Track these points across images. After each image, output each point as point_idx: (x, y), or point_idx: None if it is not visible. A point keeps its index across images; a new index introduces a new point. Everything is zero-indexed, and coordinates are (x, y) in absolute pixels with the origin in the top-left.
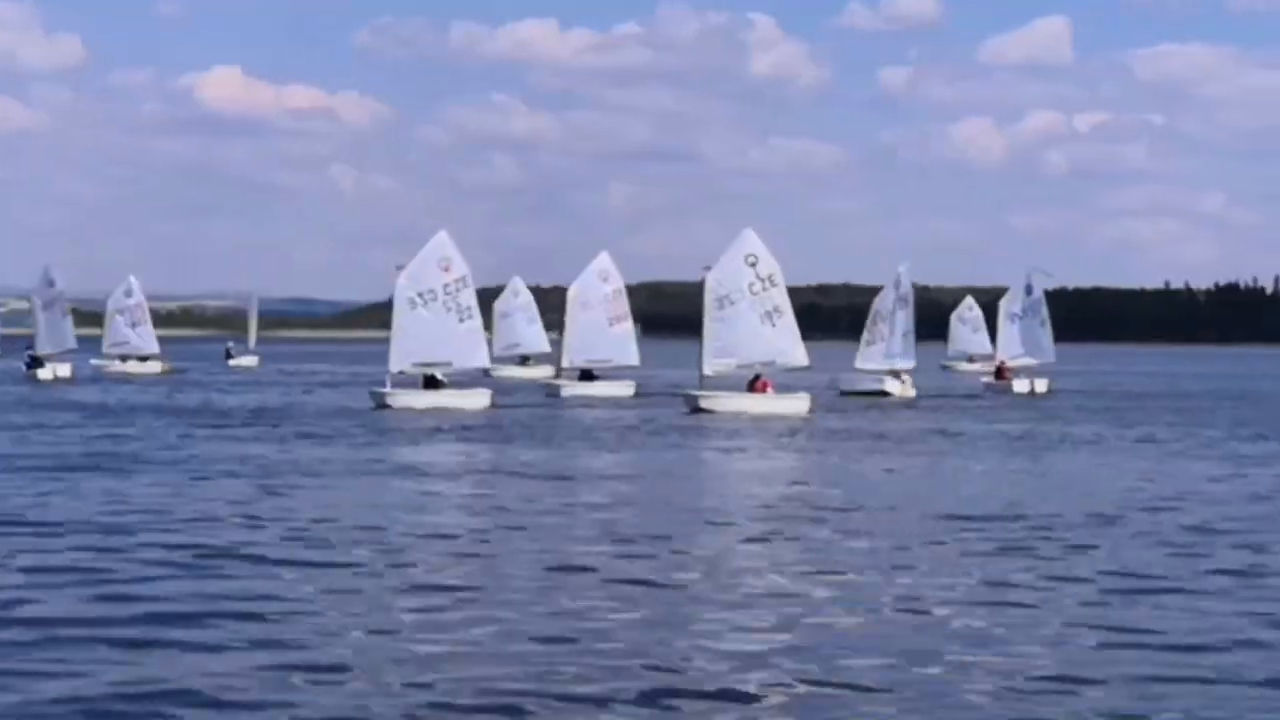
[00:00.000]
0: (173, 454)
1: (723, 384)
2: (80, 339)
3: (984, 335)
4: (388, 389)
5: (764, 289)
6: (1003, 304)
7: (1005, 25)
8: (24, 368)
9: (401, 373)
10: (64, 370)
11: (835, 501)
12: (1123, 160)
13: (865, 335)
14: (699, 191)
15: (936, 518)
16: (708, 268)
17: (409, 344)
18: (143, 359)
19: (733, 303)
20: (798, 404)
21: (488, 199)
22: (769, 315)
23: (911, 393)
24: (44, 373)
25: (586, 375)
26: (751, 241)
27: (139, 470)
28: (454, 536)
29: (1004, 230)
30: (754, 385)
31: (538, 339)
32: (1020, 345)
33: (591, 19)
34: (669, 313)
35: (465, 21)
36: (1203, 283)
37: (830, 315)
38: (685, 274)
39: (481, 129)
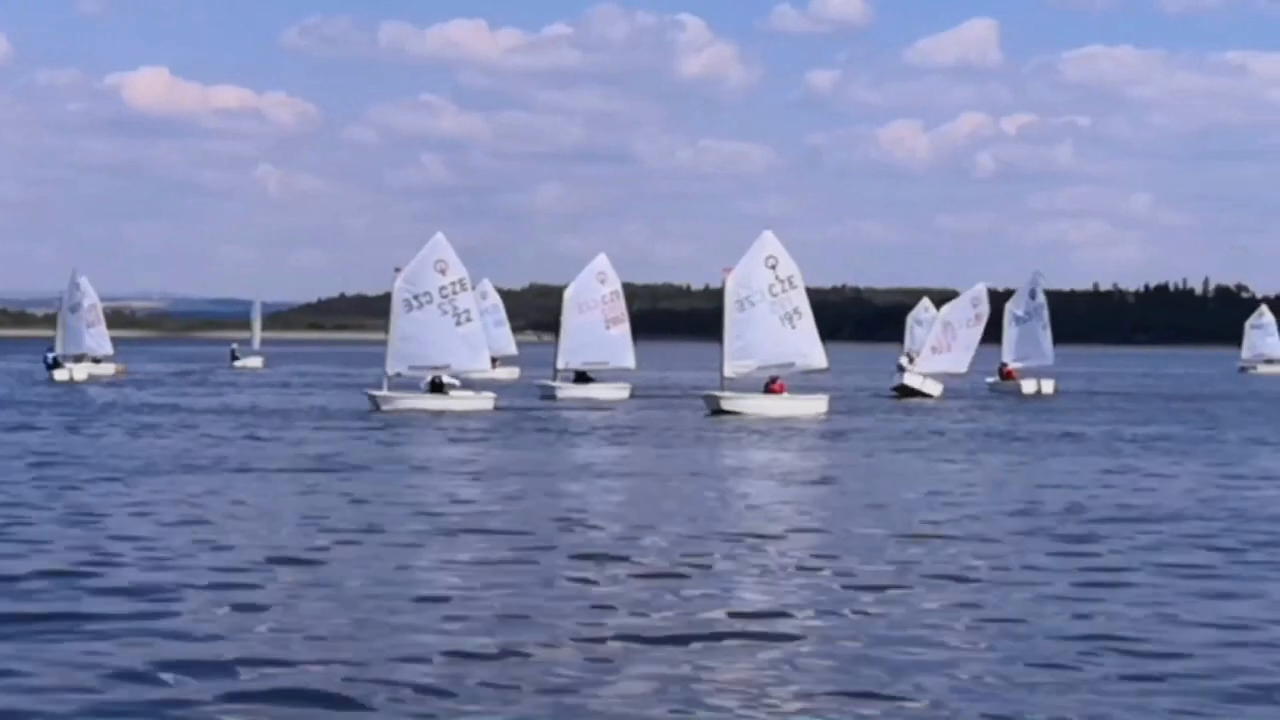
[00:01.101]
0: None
1: (740, 385)
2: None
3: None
4: (384, 391)
5: (784, 290)
6: (1008, 307)
7: (933, 27)
8: (45, 369)
9: (398, 375)
10: (80, 373)
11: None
12: (1051, 162)
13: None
14: (629, 192)
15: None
16: (728, 269)
17: (406, 347)
18: (96, 361)
19: (753, 304)
20: (816, 405)
21: (417, 199)
22: (789, 317)
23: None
24: (60, 375)
25: (581, 377)
26: (771, 244)
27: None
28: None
29: (933, 232)
30: (770, 387)
31: (505, 341)
32: (1017, 347)
33: (521, 19)
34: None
35: (394, 21)
36: (1131, 284)
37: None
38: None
39: (410, 129)
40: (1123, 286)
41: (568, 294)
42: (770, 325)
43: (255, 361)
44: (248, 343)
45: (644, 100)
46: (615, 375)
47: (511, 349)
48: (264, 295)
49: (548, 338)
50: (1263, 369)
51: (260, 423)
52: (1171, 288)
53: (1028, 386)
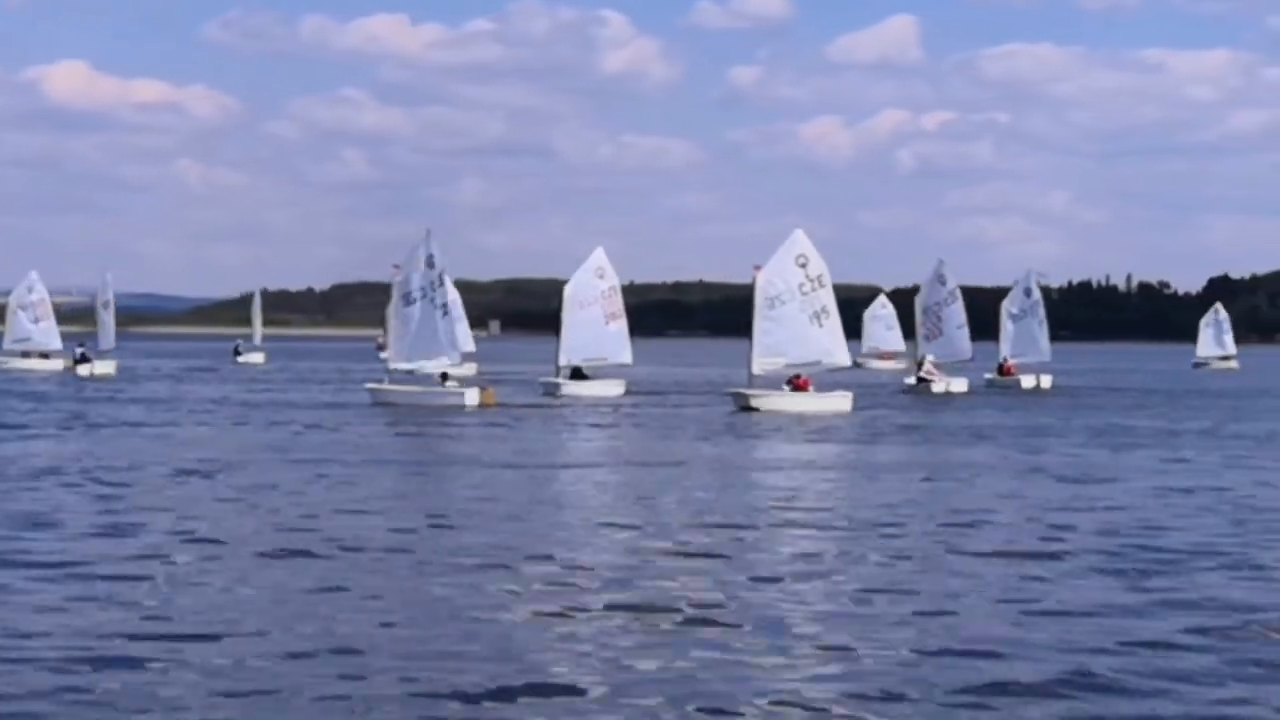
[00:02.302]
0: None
1: (761, 383)
2: None
3: (897, 332)
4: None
5: (813, 289)
6: (1004, 305)
7: (854, 24)
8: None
9: (411, 372)
10: (105, 367)
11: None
12: (970, 159)
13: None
14: (551, 188)
15: None
16: (758, 267)
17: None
18: (44, 355)
19: (783, 303)
20: (841, 402)
21: (338, 194)
22: (817, 315)
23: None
24: (82, 369)
25: (577, 374)
26: (802, 242)
27: None
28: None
29: (854, 228)
30: (795, 383)
31: (465, 337)
32: (1013, 344)
33: (442, 14)
34: (528, 310)
35: (315, 15)
36: (1051, 280)
37: (686, 312)
38: (540, 271)
39: (332, 124)
40: (1045, 283)
41: (568, 291)
42: (800, 323)
43: (258, 357)
44: (249, 338)
45: (566, 96)
46: (613, 372)
47: (470, 345)
48: (186, 290)
49: (482, 332)
50: (1216, 365)
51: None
52: (1094, 284)
53: (1027, 382)
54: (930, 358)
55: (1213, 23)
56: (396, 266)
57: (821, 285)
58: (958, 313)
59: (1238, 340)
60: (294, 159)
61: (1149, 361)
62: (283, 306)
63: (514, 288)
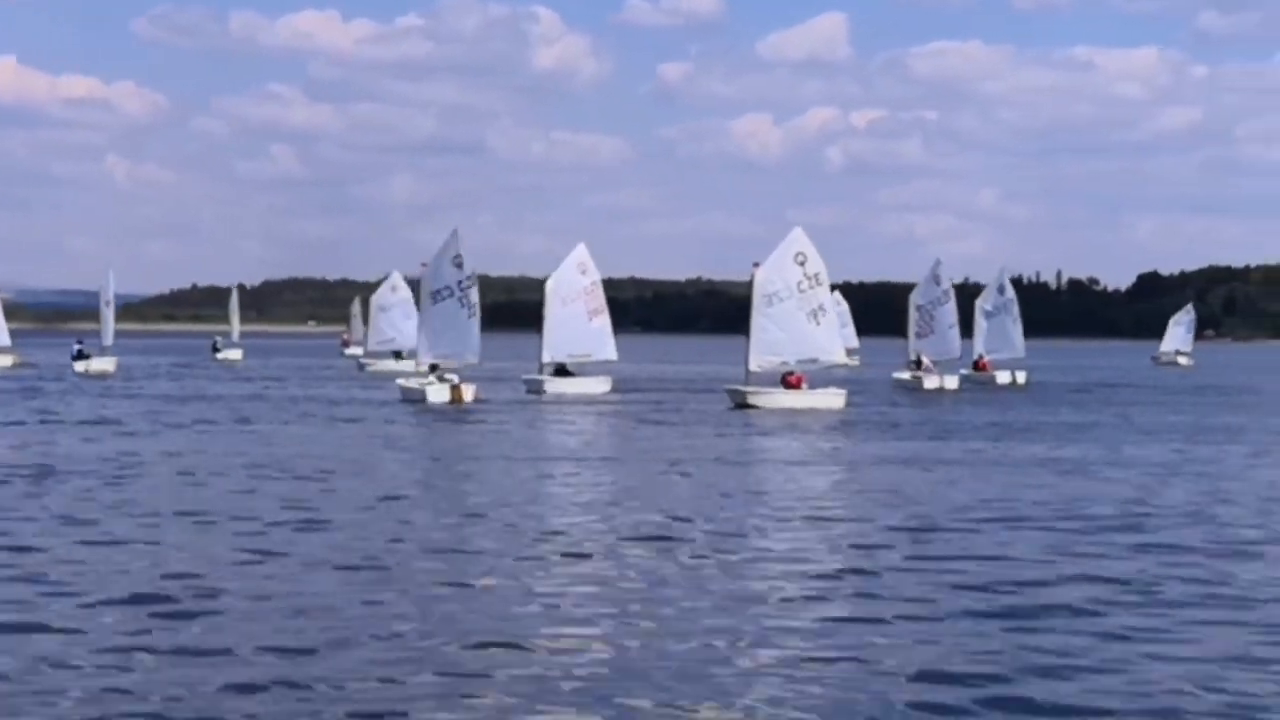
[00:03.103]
0: None
1: (756, 380)
2: None
3: (851, 329)
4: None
5: (811, 287)
6: (978, 302)
7: (785, 22)
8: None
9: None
10: (104, 365)
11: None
12: (899, 156)
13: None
14: (483, 184)
15: None
16: (757, 264)
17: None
18: None
19: (781, 300)
20: (835, 399)
21: (268, 191)
22: (814, 313)
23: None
24: (79, 365)
25: (561, 371)
26: (801, 240)
27: None
28: None
29: (784, 225)
30: (788, 380)
31: (414, 334)
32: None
33: (373, 10)
34: None
35: (245, 11)
36: (982, 277)
37: (619, 309)
38: (474, 265)
39: (261, 120)
40: (974, 280)
41: (549, 286)
42: (797, 321)
43: (236, 354)
44: (228, 335)
45: (497, 92)
46: (598, 369)
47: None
48: (115, 287)
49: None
50: (1179, 361)
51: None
52: (1025, 280)
53: (1002, 378)
54: (926, 356)
55: (1142, 21)
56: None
57: (819, 283)
58: (950, 312)
59: (1164, 336)
60: (223, 155)
61: (1108, 358)
62: (212, 303)
63: None
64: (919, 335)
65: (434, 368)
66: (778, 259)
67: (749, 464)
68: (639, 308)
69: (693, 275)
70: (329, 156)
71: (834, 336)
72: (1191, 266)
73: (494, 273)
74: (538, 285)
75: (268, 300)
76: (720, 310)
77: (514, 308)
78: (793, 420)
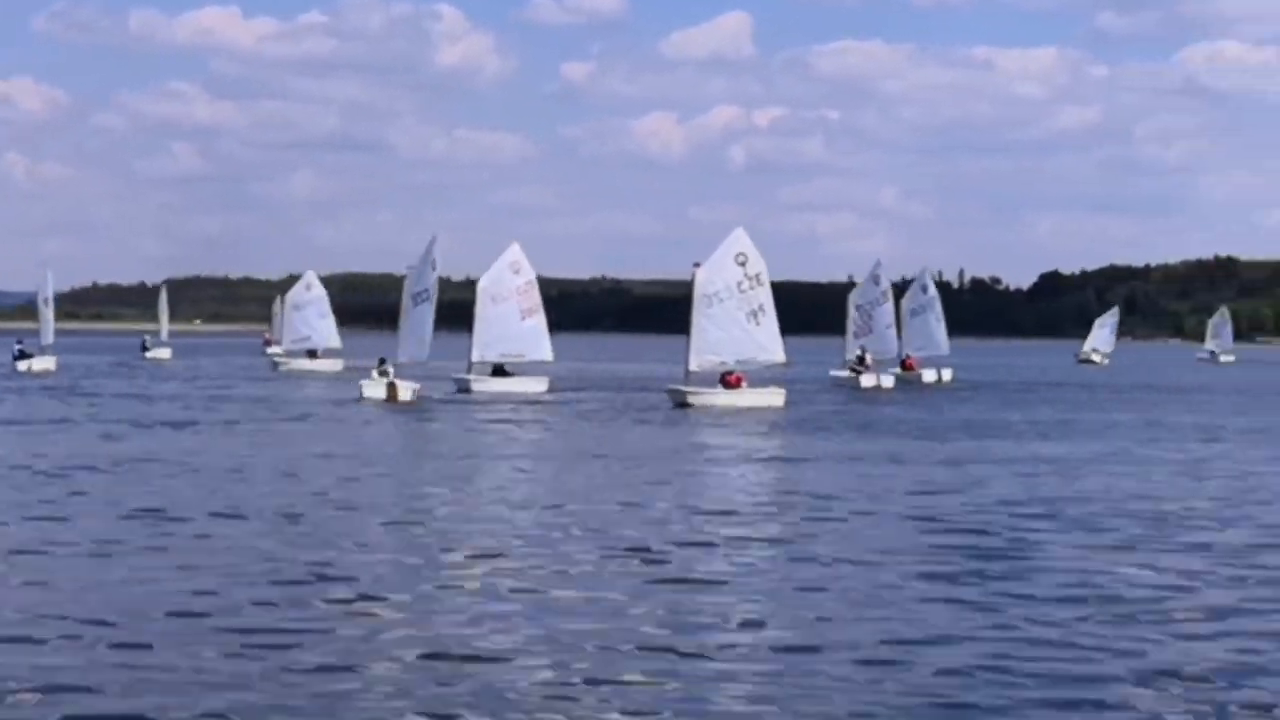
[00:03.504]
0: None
1: (696, 380)
2: None
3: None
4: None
5: (751, 287)
6: (904, 302)
7: (688, 20)
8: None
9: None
10: (45, 364)
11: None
12: (801, 155)
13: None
14: (385, 182)
15: None
16: (698, 264)
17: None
18: None
19: (721, 300)
20: (775, 397)
21: (168, 189)
22: (754, 314)
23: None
24: (21, 365)
25: (499, 371)
26: (742, 241)
27: None
28: None
29: (686, 224)
30: (727, 380)
31: (329, 333)
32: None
33: (275, 7)
34: (363, 305)
35: (144, 8)
36: (886, 276)
37: None
38: (375, 265)
39: (161, 117)
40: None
41: (481, 285)
42: (736, 321)
43: (165, 353)
44: (156, 334)
45: (399, 90)
46: (534, 368)
47: (335, 341)
48: (11, 286)
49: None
50: (1097, 360)
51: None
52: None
53: (928, 376)
54: (870, 353)
55: (1041, 20)
56: (410, 268)
57: (760, 283)
58: (887, 312)
59: (1067, 335)
60: (123, 153)
61: (1026, 356)
62: (113, 301)
63: (348, 283)
64: (856, 334)
65: (381, 361)
66: (718, 259)
67: (693, 462)
68: (545, 307)
69: (596, 274)
70: (230, 153)
71: (774, 336)
72: (1092, 265)
73: (397, 271)
74: (442, 285)
75: (169, 299)
76: (624, 309)
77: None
78: (733, 419)
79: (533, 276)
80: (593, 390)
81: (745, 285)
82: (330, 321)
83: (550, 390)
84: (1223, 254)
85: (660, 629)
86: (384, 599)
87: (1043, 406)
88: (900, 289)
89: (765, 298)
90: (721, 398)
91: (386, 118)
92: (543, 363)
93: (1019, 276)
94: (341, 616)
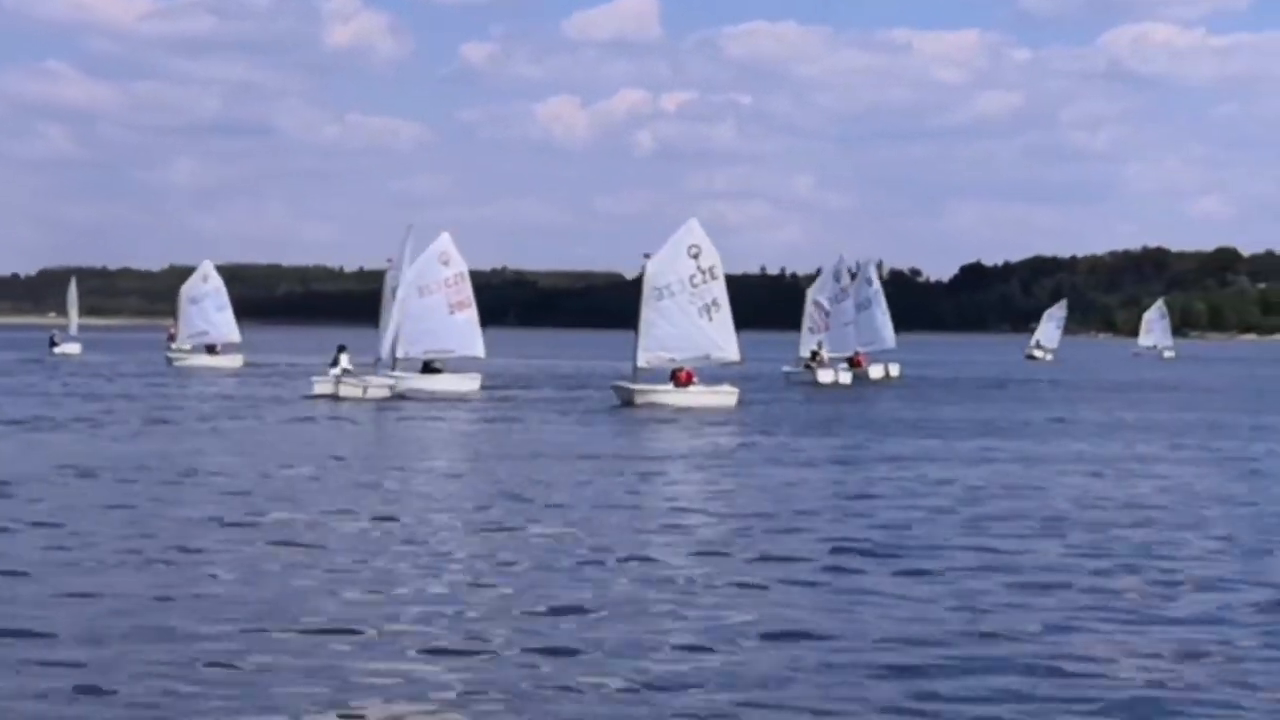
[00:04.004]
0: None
1: (646, 377)
2: None
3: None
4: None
5: (704, 281)
6: (811, 293)
7: (592, 0)
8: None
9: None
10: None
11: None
12: (711, 141)
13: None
14: (272, 169)
15: None
16: (647, 256)
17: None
18: None
19: (672, 294)
20: (727, 396)
21: (40, 173)
22: (707, 309)
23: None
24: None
25: (428, 368)
26: (695, 233)
27: None
28: None
29: (591, 213)
30: (677, 377)
31: (228, 327)
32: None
33: None
34: (247, 296)
35: None
36: (800, 268)
37: None
38: (263, 256)
39: (34, 97)
40: (790, 270)
41: (407, 276)
42: (688, 316)
43: (74, 349)
44: (65, 329)
45: (287, 71)
46: (461, 365)
47: (234, 335)
48: None
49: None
50: (1041, 357)
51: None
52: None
53: (875, 372)
54: (825, 350)
55: (962, 2)
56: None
57: (713, 277)
58: (847, 309)
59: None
60: None
61: (967, 352)
62: None
63: (235, 275)
64: (812, 330)
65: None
66: (670, 251)
67: (644, 463)
68: None
69: (497, 265)
70: (107, 137)
71: (728, 333)
72: (1016, 257)
73: (285, 262)
74: (333, 276)
75: (45, 290)
76: (528, 302)
77: (311, 299)
78: (685, 418)
79: (464, 269)
80: (531, 388)
81: (698, 279)
82: (229, 315)
83: (483, 388)
84: (1151, 245)
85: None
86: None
87: (1027, 406)
88: (815, 279)
89: (719, 292)
90: (671, 396)
91: (273, 101)
92: (474, 359)
93: (940, 268)
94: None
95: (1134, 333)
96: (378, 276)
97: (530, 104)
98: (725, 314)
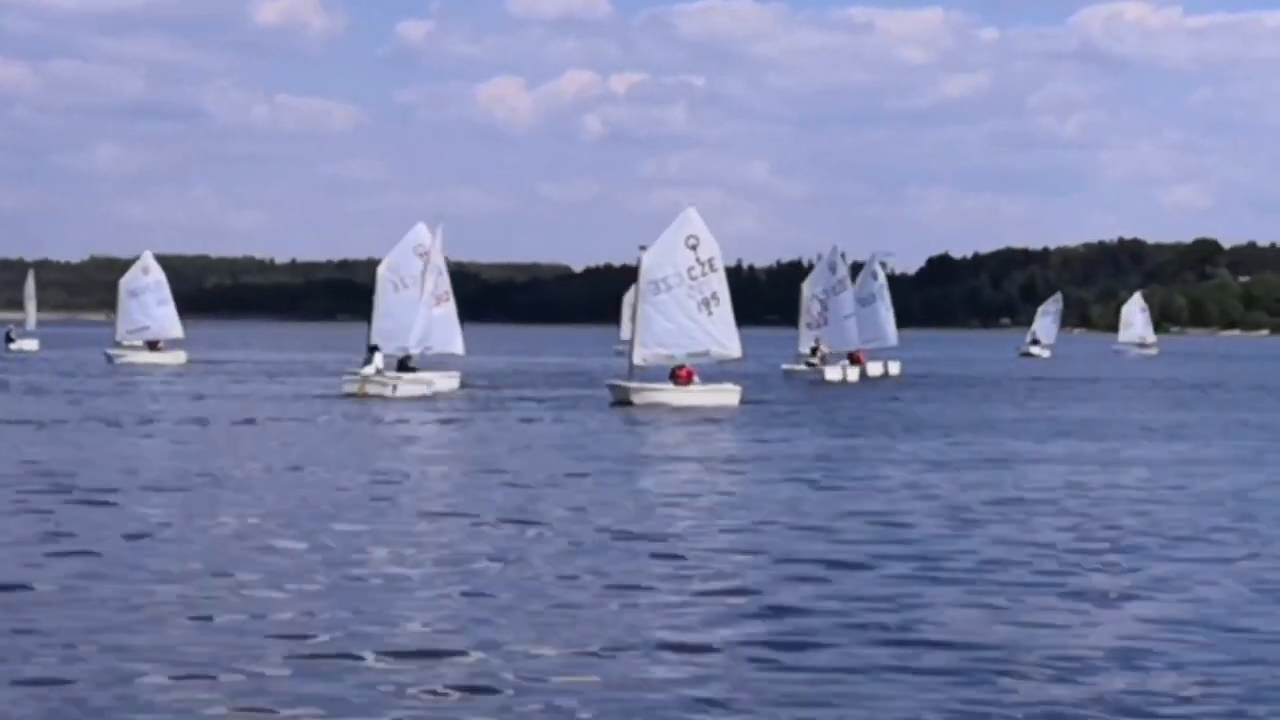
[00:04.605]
0: None
1: (647, 375)
2: None
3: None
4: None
5: (703, 274)
6: (806, 286)
7: None
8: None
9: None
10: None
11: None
12: (663, 124)
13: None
14: (198, 153)
15: None
16: (644, 247)
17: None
18: None
19: (669, 288)
20: (729, 395)
21: None
22: (706, 303)
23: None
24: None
25: (403, 365)
26: (694, 222)
27: None
28: None
29: (535, 200)
30: (676, 375)
31: (169, 321)
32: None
33: None
34: (174, 289)
35: None
36: (757, 259)
37: (358, 294)
38: (189, 247)
39: None
40: (747, 262)
41: (381, 269)
42: (687, 311)
43: (31, 344)
44: (21, 324)
45: (214, 51)
46: (438, 363)
47: (178, 331)
48: None
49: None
50: (1037, 354)
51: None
52: (805, 263)
53: (873, 369)
54: (825, 346)
55: None
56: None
57: (713, 269)
58: (846, 301)
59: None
60: None
61: (956, 349)
62: None
63: (160, 266)
64: (810, 326)
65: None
66: (667, 242)
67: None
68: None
69: None
70: (23, 121)
71: (729, 328)
72: (985, 248)
73: (213, 253)
74: (263, 268)
75: None
76: (470, 295)
77: (239, 292)
78: (684, 418)
79: (441, 261)
80: (516, 387)
81: (697, 271)
82: (171, 309)
83: (464, 387)
84: (1127, 236)
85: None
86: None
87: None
88: (775, 273)
89: (719, 285)
90: (670, 395)
91: (199, 82)
92: (454, 356)
93: (905, 260)
94: None
95: (1111, 328)
96: (311, 269)
97: (471, 85)
98: (726, 308)
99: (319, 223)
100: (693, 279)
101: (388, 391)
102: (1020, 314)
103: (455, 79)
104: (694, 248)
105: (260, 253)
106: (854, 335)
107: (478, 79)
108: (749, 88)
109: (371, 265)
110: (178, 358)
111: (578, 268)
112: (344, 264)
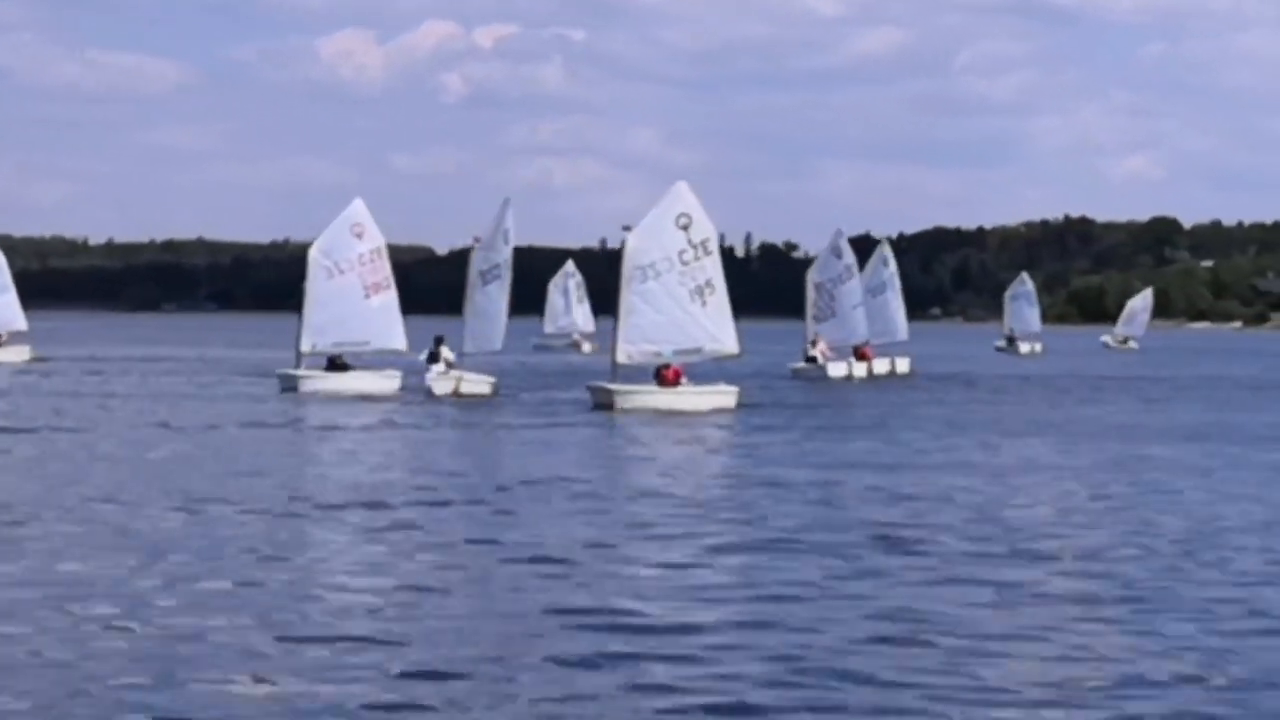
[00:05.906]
0: None
1: (631, 374)
2: None
3: (588, 307)
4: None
5: (696, 258)
6: (810, 274)
7: None
8: None
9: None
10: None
11: None
12: (535, 85)
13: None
14: None
15: None
16: (627, 228)
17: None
18: None
19: (658, 274)
20: (724, 397)
21: None
22: (700, 291)
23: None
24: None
25: (335, 364)
26: (685, 199)
27: None
28: None
29: (385, 171)
30: (662, 374)
31: (10, 312)
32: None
33: None
34: None
35: None
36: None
37: (186, 279)
38: None
39: None
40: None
41: (313, 253)
42: (678, 300)
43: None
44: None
45: (13, 1)
46: (377, 361)
47: (21, 323)
48: None
49: None
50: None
51: None
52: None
53: (880, 367)
54: (824, 340)
55: None
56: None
57: (707, 252)
58: (854, 291)
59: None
60: None
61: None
62: None
63: None
64: (817, 318)
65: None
66: (654, 222)
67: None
68: (214, 277)
69: (278, 236)
70: None
71: (725, 320)
72: (911, 228)
73: (16, 232)
74: (76, 249)
75: None
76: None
77: (49, 278)
78: (672, 425)
79: (381, 243)
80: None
81: (689, 255)
82: (13, 297)
83: (404, 388)
84: (1074, 214)
85: None
86: None
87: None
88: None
89: (715, 271)
90: (657, 398)
91: None
92: (394, 353)
93: (819, 241)
94: None
95: (1060, 319)
96: (130, 250)
97: (312, 39)
98: (721, 298)
99: (138, 198)
100: (684, 264)
101: (450, 388)
102: (953, 303)
103: (294, 32)
104: (685, 228)
105: (71, 232)
106: (863, 327)
107: (320, 32)
108: (634, 43)
109: (200, 245)
110: (20, 354)
111: (440, 249)
112: (169, 245)
